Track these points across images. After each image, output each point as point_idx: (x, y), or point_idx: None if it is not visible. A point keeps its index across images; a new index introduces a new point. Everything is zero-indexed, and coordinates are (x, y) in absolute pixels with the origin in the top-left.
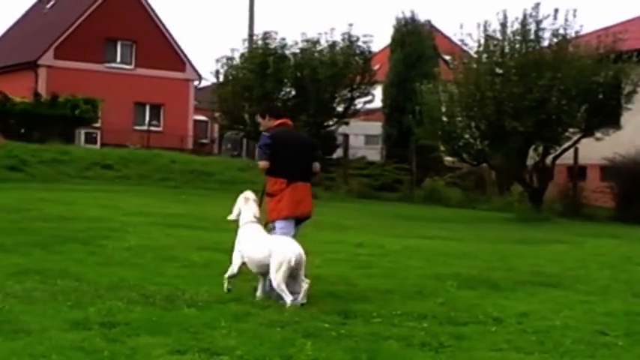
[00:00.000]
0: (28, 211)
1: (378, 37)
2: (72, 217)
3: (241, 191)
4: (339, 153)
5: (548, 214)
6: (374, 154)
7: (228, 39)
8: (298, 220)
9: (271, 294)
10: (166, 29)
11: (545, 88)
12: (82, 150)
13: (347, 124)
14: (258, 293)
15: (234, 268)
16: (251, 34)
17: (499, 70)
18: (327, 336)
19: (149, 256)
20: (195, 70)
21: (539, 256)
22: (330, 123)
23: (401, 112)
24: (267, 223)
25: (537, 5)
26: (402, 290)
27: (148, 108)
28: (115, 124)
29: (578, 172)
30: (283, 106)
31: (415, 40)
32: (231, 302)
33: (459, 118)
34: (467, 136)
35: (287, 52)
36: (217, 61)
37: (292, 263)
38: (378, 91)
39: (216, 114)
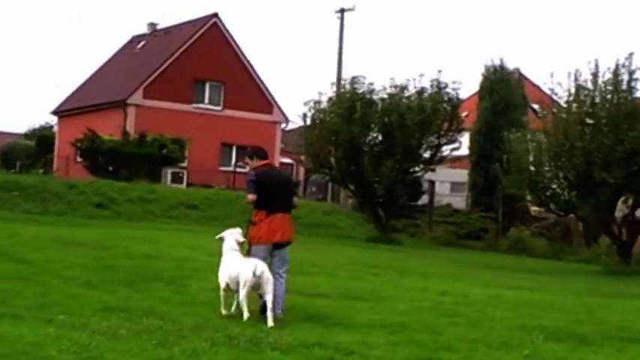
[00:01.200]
0: (114, 248)
1: (467, 85)
2: (157, 255)
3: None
4: (424, 199)
5: (637, 268)
6: (459, 201)
7: (316, 82)
8: (281, 245)
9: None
10: (255, 71)
11: (636, 139)
12: (168, 189)
13: (433, 170)
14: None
15: (222, 292)
16: (339, 78)
17: (589, 121)
18: None
19: (233, 297)
20: (283, 113)
21: (628, 310)
22: (417, 169)
23: (488, 160)
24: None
25: (631, 55)
26: (487, 340)
27: (234, 149)
28: (201, 164)
29: None
30: (370, 151)
31: (504, 88)
32: (315, 346)
33: (547, 168)
34: (554, 186)
35: (375, 97)
36: (305, 104)
37: (254, 277)
38: (465, 139)
39: (303, 157)
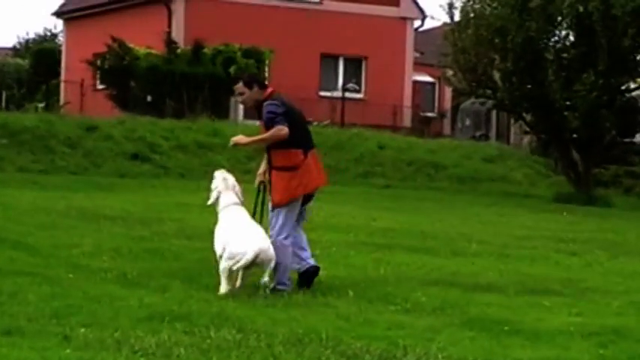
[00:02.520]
0: (161, 222)
1: None
2: None
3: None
4: None
5: None
6: None
7: None
8: (307, 197)
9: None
10: None
11: None
12: (241, 128)
13: None
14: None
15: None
16: None
17: None
18: None
19: (350, 293)
20: (417, 4)
21: None
22: (632, 86)
23: None
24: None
25: None
26: None
27: (341, 63)
28: (290, 88)
29: None
30: (557, 59)
31: None
32: None
33: None
34: None
35: None
36: None
37: (249, 259)
38: None
39: (450, 72)
